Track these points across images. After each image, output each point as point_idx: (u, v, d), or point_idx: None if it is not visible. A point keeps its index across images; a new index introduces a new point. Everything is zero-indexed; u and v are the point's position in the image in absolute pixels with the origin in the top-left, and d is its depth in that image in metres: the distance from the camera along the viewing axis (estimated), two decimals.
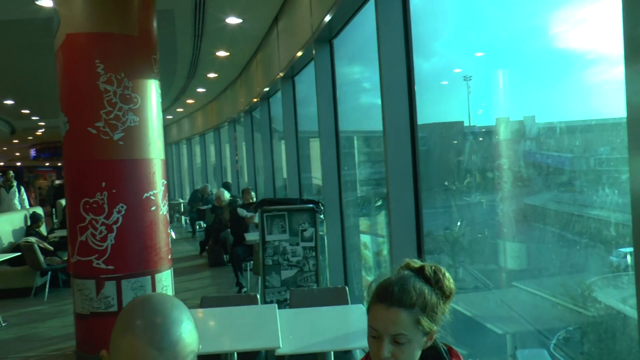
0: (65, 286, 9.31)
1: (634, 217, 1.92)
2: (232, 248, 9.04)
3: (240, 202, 10.07)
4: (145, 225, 5.82)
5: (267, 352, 4.63)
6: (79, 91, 5.69)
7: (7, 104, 15.73)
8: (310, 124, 8.13)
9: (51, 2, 5.98)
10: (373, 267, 6.68)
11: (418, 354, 1.67)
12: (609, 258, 3.37)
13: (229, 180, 15.93)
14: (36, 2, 6.97)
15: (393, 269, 1.82)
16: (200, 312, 4.16)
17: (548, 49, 3.93)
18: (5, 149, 31.85)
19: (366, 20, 5.24)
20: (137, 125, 5.76)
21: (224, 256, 10.96)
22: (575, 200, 3.81)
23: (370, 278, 6.65)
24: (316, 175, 8.86)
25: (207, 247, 11.80)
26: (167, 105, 17.69)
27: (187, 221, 17.71)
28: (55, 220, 17.32)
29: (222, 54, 10.66)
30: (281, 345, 3.20)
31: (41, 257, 9.04)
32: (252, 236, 8.33)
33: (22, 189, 13.65)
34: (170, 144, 25.64)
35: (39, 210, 11.10)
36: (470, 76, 5.02)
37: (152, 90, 5.96)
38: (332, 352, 3.46)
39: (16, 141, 27.37)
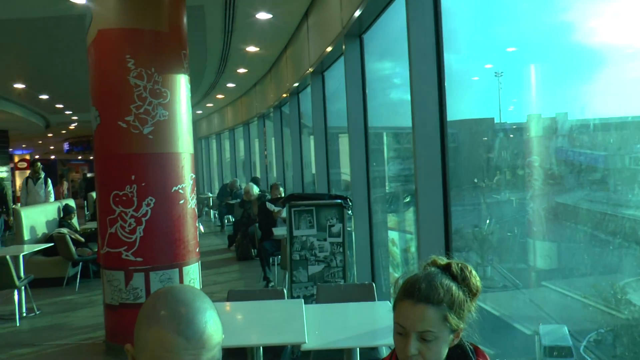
0: (96, 277, 9.49)
1: None
2: (260, 242, 9.07)
3: (269, 197, 10.09)
4: (174, 218, 5.87)
5: (293, 347, 4.63)
6: (109, 86, 5.77)
7: (42, 99, 16.01)
8: (340, 119, 8.11)
9: None
10: (400, 263, 6.64)
11: (445, 351, 1.65)
12: None
13: (258, 175, 15.98)
14: (70, 0, 7.07)
15: (420, 265, 1.80)
16: (227, 305, 4.18)
17: (582, 43, 3.85)
18: (40, 142, 32.44)
19: (396, 15, 5.19)
20: (166, 119, 5.81)
21: (252, 250, 11.01)
22: (609, 199, 3.73)
23: (397, 275, 6.61)
24: (345, 171, 8.84)
25: (235, 241, 11.86)
26: (197, 100, 17.81)
27: (216, 215, 17.84)
28: (86, 213, 17.62)
29: (252, 49, 10.69)
30: (307, 341, 3.19)
31: (73, 248, 9.21)
32: (280, 231, 8.35)
33: (49, 182, 13.40)
34: (199, 139, 25.83)
35: (71, 203, 11.28)
36: (502, 72, 4.95)
37: (181, 85, 6.00)
38: (358, 349, 3.44)
39: (50, 135, 27.85)
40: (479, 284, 1.72)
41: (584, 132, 3.99)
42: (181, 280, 5.91)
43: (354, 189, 6.62)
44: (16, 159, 26.85)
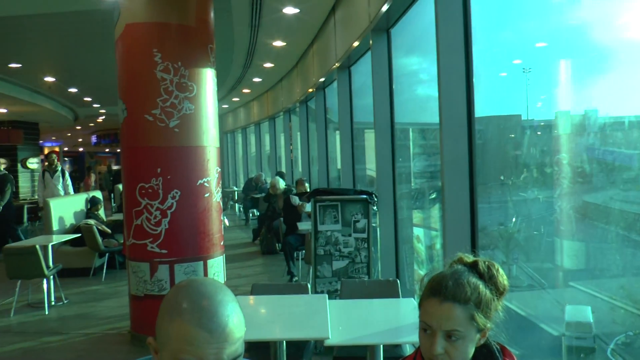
0: (122, 268, 9.61)
1: None
2: (284, 237, 9.09)
3: (294, 191, 10.10)
4: (199, 211, 5.91)
5: (316, 342, 4.63)
6: (137, 79, 5.82)
7: (71, 92, 16.24)
8: (366, 115, 8.08)
9: None
10: (425, 260, 6.60)
11: (471, 351, 1.62)
12: None
13: (283, 169, 16.01)
14: None
15: (445, 263, 1.78)
16: (251, 299, 4.19)
17: (614, 39, 3.78)
18: (69, 134, 32.92)
19: (424, 9, 5.15)
20: (192, 113, 5.84)
21: (277, 244, 11.04)
22: None
23: (422, 272, 6.57)
24: (370, 167, 8.81)
25: (259, 235, 11.91)
26: (223, 95, 17.90)
27: (241, 209, 17.91)
28: (113, 204, 17.82)
29: (278, 44, 10.69)
30: (330, 336, 3.18)
31: (99, 239, 9.35)
32: (304, 225, 8.35)
33: (67, 175, 12.94)
34: (225, 133, 25.97)
35: (98, 194, 11.43)
36: (530, 68, 4.88)
37: (208, 79, 6.03)
38: (382, 346, 3.42)
39: (79, 128, 28.24)
40: (506, 282, 1.69)
41: (617, 129, 3.91)
42: (205, 273, 5.95)
43: (379, 185, 6.59)
44: (46, 151, 27.25)
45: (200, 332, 1.25)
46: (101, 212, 10.96)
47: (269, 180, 14.00)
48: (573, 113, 4.44)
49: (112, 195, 18.80)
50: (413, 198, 7.18)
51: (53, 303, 7.79)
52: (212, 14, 6.21)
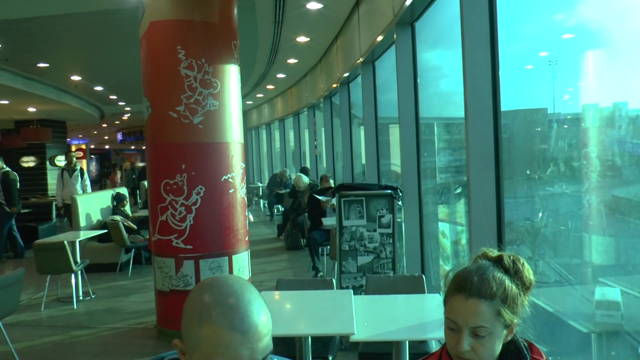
0: (148, 263, 9.73)
1: None
2: (309, 232, 9.10)
3: (319, 187, 10.11)
4: (223, 207, 5.94)
5: (342, 337, 4.63)
6: (161, 77, 5.86)
7: (97, 90, 16.44)
8: (390, 110, 8.03)
9: None
10: (451, 256, 6.55)
11: (498, 347, 1.60)
12: None
13: (308, 165, 16.02)
14: None
15: (470, 258, 1.75)
16: (276, 294, 4.20)
17: None
18: (95, 132, 33.37)
19: (449, 2, 5.09)
20: (216, 109, 5.86)
21: (301, 240, 11.05)
22: None
23: (447, 267, 6.53)
24: (395, 162, 8.77)
25: (284, 231, 11.94)
26: (248, 91, 17.97)
27: (266, 205, 17.98)
28: (139, 201, 18.01)
29: (302, 39, 10.68)
30: (356, 332, 3.17)
31: (125, 235, 9.46)
32: (329, 221, 8.35)
33: (85, 174, 12.70)
34: (250, 129, 26.07)
35: (123, 191, 11.56)
36: (557, 60, 4.81)
37: (232, 75, 6.05)
38: (407, 342, 3.40)
39: (105, 125, 28.60)
40: (532, 277, 1.66)
41: None
42: (230, 269, 5.97)
43: (404, 180, 6.55)
44: (73, 149, 27.66)
45: (234, 335, 1.24)
46: (127, 208, 11.09)
47: (293, 176, 14.02)
48: (601, 106, 4.36)
49: (138, 192, 19.00)
50: (438, 193, 7.13)
51: (81, 298, 7.92)
52: (235, 11, 6.22)
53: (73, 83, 14.78)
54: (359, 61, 8.55)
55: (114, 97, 18.24)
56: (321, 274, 8.57)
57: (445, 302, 1.64)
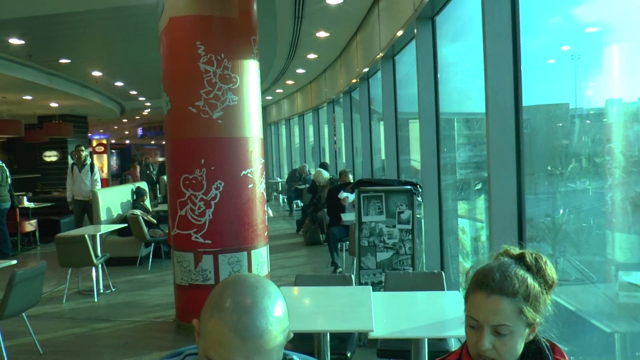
0: (167, 257, 9.81)
1: None
2: (328, 227, 9.08)
3: (338, 183, 10.09)
4: (243, 202, 5.95)
5: (360, 334, 4.61)
6: (180, 72, 5.87)
7: (117, 86, 16.56)
8: (410, 105, 7.98)
9: None
10: (470, 252, 6.50)
11: (520, 346, 1.57)
12: None
13: (327, 160, 16.01)
14: None
15: (491, 255, 1.73)
16: (295, 290, 4.20)
17: None
18: (115, 127, 33.62)
19: None
20: (235, 104, 5.87)
21: (320, 235, 11.05)
22: None
23: (467, 264, 6.48)
24: (414, 158, 8.72)
25: (303, 226, 11.94)
26: (267, 87, 17.98)
27: (285, 200, 18.01)
28: (159, 195, 18.14)
29: (322, 34, 10.65)
30: (374, 329, 3.15)
31: (145, 229, 9.53)
32: (348, 216, 8.33)
33: (96, 169, 11.93)
34: (269, 124, 26.10)
35: (144, 185, 11.64)
36: (579, 54, 4.74)
37: (251, 71, 6.04)
38: (427, 339, 3.38)
39: (125, 120, 28.80)
40: (554, 275, 1.63)
41: None
42: (249, 264, 5.98)
43: (424, 175, 6.51)
44: (94, 143, 27.92)
45: (233, 338, 1.22)
46: (147, 203, 11.17)
47: (312, 172, 14.02)
48: (626, 100, 4.29)
49: (158, 186, 19.13)
50: (458, 189, 7.08)
51: (102, 291, 8.00)
52: (255, 6, 6.22)
53: (94, 79, 14.90)
54: (378, 56, 8.50)
55: (134, 92, 18.36)
56: (340, 269, 8.56)
57: (466, 299, 1.62)
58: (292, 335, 1.36)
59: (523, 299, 1.54)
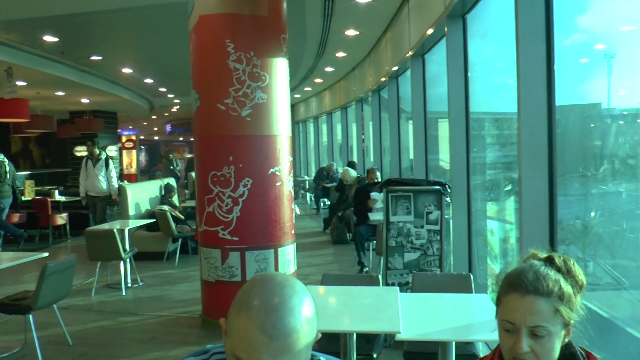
0: (194, 253, 9.89)
1: None
2: (355, 226, 9.05)
3: (365, 181, 10.05)
4: (270, 199, 5.95)
5: (387, 335, 4.58)
6: (209, 70, 5.89)
7: (147, 83, 16.74)
8: (439, 104, 7.91)
9: None
10: (499, 254, 6.41)
11: (558, 349, 1.52)
12: None
13: (355, 159, 15.97)
14: None
15: (520, 258, 1.69)
16: (321, 289, 4.18)
17: None
18: (145, 124, 34.02)
19: None
20: (264, 102, 5.87)
21: (347, 234, 11.02)
22: None
23: (495, 266, 6.39)
24: (442, 157, 8.64)
25: (330, 225, 11.91)
26: (296, 85, 18.01)
27: (312, 198, 18.01)
28: (187, 192, 18.29)
29: (351, 33, 10.62)
30: (401, 330, 3.12)
31: (173, 225, 9.61)
32: (375, 216, 8.29)
33: (111, 164, 11.51)
34: (297, 122, 26.14)
35: (172, 182, 11.74)
36: (613, 53, 4.63)
37: (280, 69, 6.04)
38: (454, 342, 3.33)
39: (154, 117, 29.11)
40: (583, 277, 1.60)
41: None
42: (276, 261, 5.98)
43: (453, 176, 6.44)
44: (123, 139, 28.25)
45: (260, 337, 1.21)
46: (175, 199, 11.27)
47: (340, 170, 13.99)
48: None
49: (186, 182, 19.25)
50: (487, 189, 6.99)
51: (129, 285, 8.09)
52: (284, 4, 6.21)
53: (124, 76, 15.08)
54: (408, 54, 8.44)
55: (164, 89, 18.53)
56: (367, 269, 8.52)
57: (499, 303, 1.58)
58: (320, 335, 1.34)
59: (558, 298, 1.50)
